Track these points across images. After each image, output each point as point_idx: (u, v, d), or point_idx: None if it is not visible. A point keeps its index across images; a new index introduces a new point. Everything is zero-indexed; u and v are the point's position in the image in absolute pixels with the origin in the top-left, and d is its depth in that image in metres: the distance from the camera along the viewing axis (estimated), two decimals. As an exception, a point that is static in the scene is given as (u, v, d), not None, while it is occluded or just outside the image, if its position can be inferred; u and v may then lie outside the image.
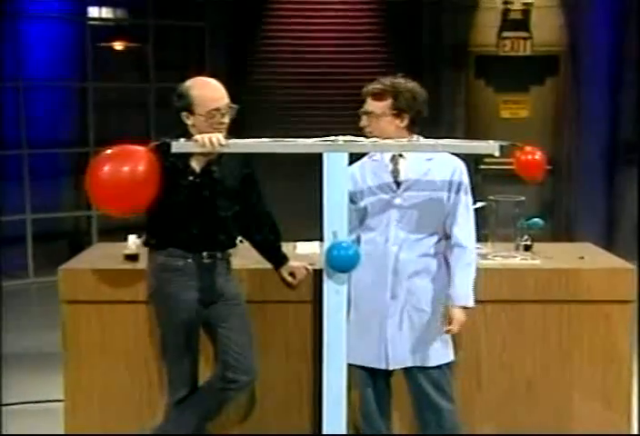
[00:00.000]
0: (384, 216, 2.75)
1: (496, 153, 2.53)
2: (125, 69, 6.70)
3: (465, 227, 2.75)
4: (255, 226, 3.00)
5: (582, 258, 3.31)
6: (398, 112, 2.72)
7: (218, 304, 2.83)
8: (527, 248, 3.41)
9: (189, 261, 2.77)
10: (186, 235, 2.75)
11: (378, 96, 2.73)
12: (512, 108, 6.90)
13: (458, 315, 2.72)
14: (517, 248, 3.37)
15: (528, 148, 2.69)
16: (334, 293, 2.41)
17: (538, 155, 2.67)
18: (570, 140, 6.79)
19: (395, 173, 2.77)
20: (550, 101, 6.89)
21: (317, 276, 2.92)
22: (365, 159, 2.83)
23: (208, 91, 2.72)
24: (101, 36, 6.55)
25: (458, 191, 2.75)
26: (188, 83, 2.74)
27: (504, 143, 2.57)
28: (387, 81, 2.74)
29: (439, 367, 2.76)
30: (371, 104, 2.74)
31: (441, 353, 2.77)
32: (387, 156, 2.78)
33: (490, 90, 6.90)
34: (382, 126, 2.73)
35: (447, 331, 2.72)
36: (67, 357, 3.17)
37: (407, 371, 2.78)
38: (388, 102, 2.72)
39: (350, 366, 2.57)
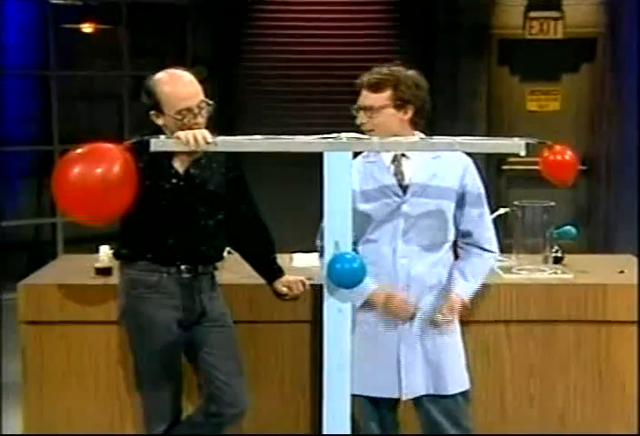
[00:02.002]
0: (389, 225, 2.78)
1: (522, 153, 2.56)
2: (94, 55, 6.72)
3: (489, 230, 2.86)
4: (246, 236, 3.03)
5: (622, 272, 3.34)
6: (401, 103, 2.75)
7: (201, 326, 2.86)
8: (558, 260, 3.44)
9: (164, 276, 2.79)
10: (163, 247, 2.78)
11: (376, 87, 2.75)
12: (540, 100, 6.93)
13: (457, 306, 2.77)
14: (546, 260, 3.40)
15: (558, 147, 2.72)
16: (335, 312, 2.44)
17: (569, 155, 2.70)
18: (608, 136, 6.80)
19: (400, 175, 2.79)
20: (585, 91, 6.91)
21: (317, 292, 2.96)
22: (357, 160, 2.83)
23: (178, 88, 2.72)
24: (66, 17, 6.56)
25: (473, 192, 2.81)
26: (156, 77, 2.75)
27: (531, 141, 2.60)
28: (384, 69, 2.77)
29: (453, 396, 2.80)
30: (368, 97, 2.76)
31: (456, 381, 2.81)
32: (387, 157, 2.81)
33: (515, 79, 6.92)
34: (383, 121, 2.75)
35: (444, 318, 2.75)
36: (27, 387, 3.19)
37: (418, 401, 2.82)
38: (388, 92, 2.74)
39: (352, 397, 2.60)
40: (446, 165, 2.79)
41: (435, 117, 6.47)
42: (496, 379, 3.18)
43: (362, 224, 2.80)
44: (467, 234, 2.85)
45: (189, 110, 2.70)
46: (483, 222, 2.86)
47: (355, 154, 2.80)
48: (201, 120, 2.72)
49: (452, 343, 2.82)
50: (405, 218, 2.77)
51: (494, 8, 6.79)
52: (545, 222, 3.38)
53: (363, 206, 2.79)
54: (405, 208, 2.77)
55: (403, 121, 2.77)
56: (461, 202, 2.81)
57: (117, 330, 3.09)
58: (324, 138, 2.45)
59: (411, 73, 2.80)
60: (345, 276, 2.40)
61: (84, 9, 6.74)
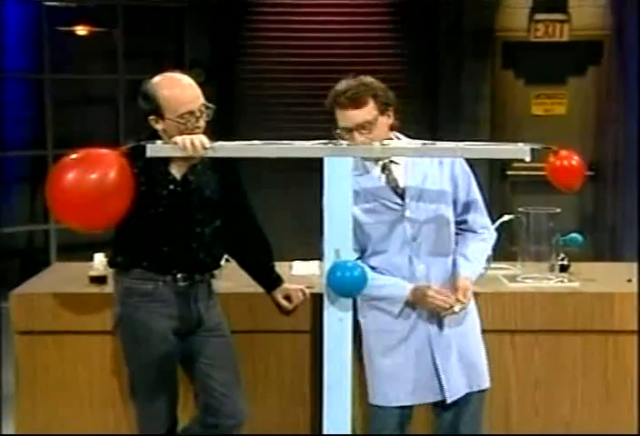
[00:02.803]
0: (396, 234, 2.78)
1: (527, 158, 2.57)
2: (89, 58, 6.73)
3: (485, 215, 2.92)
4: (244, 243, 3.03)
5: (629, 281, 3.34)
6: (384, 108, 2.77)
7: (197, 335, 2.86)
8: (564, 268, 3.45)
9: (160, 284, 2.80)
10: (158, 255, 2.78)
11: (359, 102, 2.73)
12: (546, 103, 6.93)
13: (469, 288, 2.78)
14: (552, 269, 3.41)
15: (564, 152, 2.72)
16: (336, 322, 2.44)
17: (575, 160, 2.71)
18: (615, 141, 6.81)
19: (393, 183, 2.81)
20: (591, 95, 6.92)
21: (317, 301, 2.96)
22: None
23: (178, 92, 2.72)
24: (61, 20, 6.57)
25: (464, 182, 2.85)
26: (155, 81, 2.75)
27: (536, 146, 2.60)
28: (350, 83, 2.76)
29: (483, 391, 2.88)
30: (357, 115, 2.73)
31: (486, 375, 2.89)
32: (374, 167, 2.82)
33: (520, 82, 6.94)
34: (379, 133, 2.74)
35: (461, 307, 2.75)
36: (20, 398, 3.20)
37: (437, 405, 2.86)
38: (371, 103, 2.75)
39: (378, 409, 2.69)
40: (435, 163, 2.82)
41: (438, 121, 6.55)
42: (501, 389, 3.17)
43: (366, 237, 2.81)
44: (462, 222, 2.90)
45: (191, 113, 2.71)
46: (477, 209, 2.90)
47: None
48: (202, 123, 2.73)
49: (478, 337, 2.88)
50: (410, 224, 2.79)
51: (498, 10, 6.80)
52: (550, 229, 3.39)
53: (364, 220, 2.80)
54: (407, 214, 2.79)
55: (388, 125, 2.79)
56: (455, 194, 2.85)
57: (112, 339, 3.08)
58: (324, 143, 2.46)
59: (370, 78, 2.81)
60: (346, 285, 2.40)
61: (78, 11, 6.73)
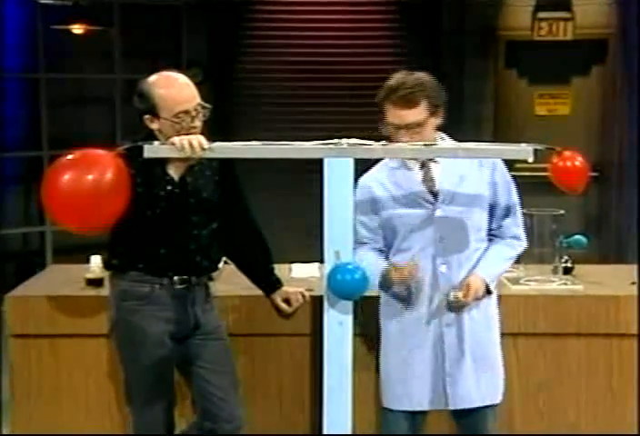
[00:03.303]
0: (423, 233, 2.79)
1: (530, 159, 2.58)
2: (85, 57, 6.73)
3: (520, 225, 2.92)
4: (241, 246, 3.04)
5: (634, 283, 3.35)
6: (435, 109, 2.78)
7: (194, 339, 2.86)
8: (568, 271, 3.45)
9: (157, 287, 2.80)
10: (155, 257, 2.79)
11: (413, 102, 2.73)
12: (549, 103, 6.94)
13: (479, 286, 2.76)
14: (556, 271, 3.41)
15: (568, 153, 2.73)
16: (336, 325, 2.45)
17: (579, 161, 2.72)
18: (620, 142, 6.81)
19: (430, 182, 2.81)
20: (595, 94, 6.92)
21: (317, 304, 2.96)
22: (379, 167, 2.87)
23: (174, 90, 2.72)
24: (56, 18, 6.57)
25: (503, 189, 2.86)
26: (150, 80, 2.75)
27: (539, 147, 2.61)
28: (407, 79, 2.75)
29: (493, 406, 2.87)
30: (409, 115, 2.73)
31: (499, 390, 2.89)
32: (413, 162, 2.83)
33: (523, 82, 6.94)
34: (427, 133, 2.76)
35: (459, 297, 2.74)
36: (15, 402, 3.20)
37: (456, 413, 2.87)
38: (424, 103, 2.75)
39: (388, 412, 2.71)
40: (474, 165, 2.82)
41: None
42: (505, 393, 3.16)
43: (392, 232, 2.83)
44: (496, 228, 2.90)
45: (187, 113, 2.71)
46: (513, 217, 2.90)
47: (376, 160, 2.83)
48: (198, 123, 2.73)
49: (496, 348, 2.88)
50: (439, 225, 2.79)
51: (501, 9, 6.80)
52: (554, 231, 3.39)
53: (390, 214, 2.81)
54: (438, 213, 2.79)
55: (435, 126, 2.80)
56: (492, 200, 2.85)
57: (108, 343, 3.09)
58: (323, 144, 2.46)
59: (425, 75, 2.81)
60: (347, 287, 2.41)
61: (74, 10, 6.72)
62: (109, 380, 3.18)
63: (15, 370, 3.18)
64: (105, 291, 3.13)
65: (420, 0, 6.70)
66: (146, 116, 2.75)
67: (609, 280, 3.43)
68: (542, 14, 6.77)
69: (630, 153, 6.70)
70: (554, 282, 3.35)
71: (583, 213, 6.75)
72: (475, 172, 2.82)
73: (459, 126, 6.63)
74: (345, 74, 6.56)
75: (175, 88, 2.73)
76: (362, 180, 2.86)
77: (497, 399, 2.88)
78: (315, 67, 6.66)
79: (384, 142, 2.64)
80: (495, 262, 2.85)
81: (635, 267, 3.60)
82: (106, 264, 2.90)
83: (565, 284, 3.34)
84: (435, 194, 2.80)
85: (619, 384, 3.23)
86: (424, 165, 2.83)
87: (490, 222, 2.88)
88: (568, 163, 2.71)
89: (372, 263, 2.77)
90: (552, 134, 6.29)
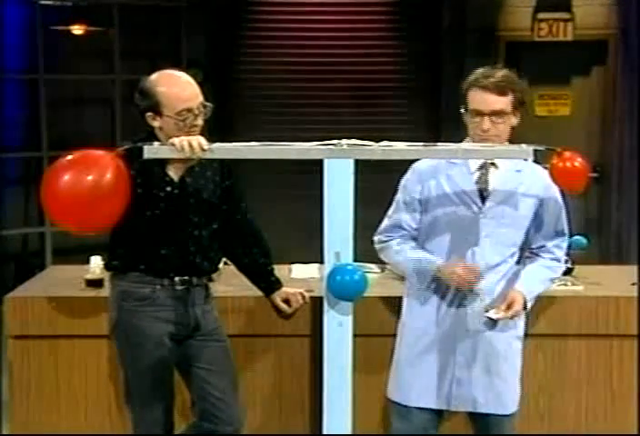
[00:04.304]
0: (461, 233, 2.78)
1: (530, 159, 2.58)
2: (84, 58, 6.74)
3: (563, 249, 2.89)
4: (242, 247, 3.04)
5: (634, 284, 3.35)
6: (517, 108, 2.78)
7: (194, 340, 2.87)
8: (568, 272, 3.45)
9: (157, 288, 2.80)
10: (156, 257, 2.79)
11: (504, 90, 2.72)
12: (549, 104, 6.94)
13: (520, 303, 2.73)
14: (556, 272, 3.41)
15: (568, 153, 2.73)
16: (336, 326, 2.45)
17: (579, 162, 2.72)
18: (620, 142, 6.81)
19: (483, 184, 2.80)
20: (596, 95, 6.92)
21: (317, 305, 2.96)
22: (431, 161, 2.84)
23: (177, 88, 2.73)
24: (56, 19, 6.58)
25: (552, 209, 2.83)
26: (153, 78, 2.76)
27: (539, 148, 2.61)
28: (496, 70, 2.76)
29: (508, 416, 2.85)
30: (498, 101, 2.72)
31: (511, 400, 2.85)
32: (473, 162, 2.81)
33: (523, 83, 6.94)
34: (506, 128, 2.76)
35: (501, 316, 2.70)
36: (14, 403, 3.20)
37: (476, 418, 2.86)
38: (510, 96, 2.75)
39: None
40: (529, 180, 2.82)
41: (441, 122, 6.55)
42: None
43: (427, 226, 2.82)
44: (539, 247, 2.87)
45: (189, 111, 2.72)
46: (559, 241, 2.88)
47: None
48: (200, 122, 2.74)
49: (515, 359, 2.85)
50: (480, 227, 2.77)
51: (501, 9, 6.80)
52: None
53: (433, 206, 2.80)
54: (482, 217, 2.78)
55: (512, 126, 2.79)
56: (540, 219, 2.84)
57: (108, 344, 3.09)
58: (324, 145, 2.47)
59: (510, 71, 2.81)
60: (346, 288, 2.41)
61: (73, 10, 6.73)
62: (108, 380, 3.18)
63: (14, 371, 3.19)
64: (104, 292, 3.13)
65: (420, 1, 6.71)
66: (148, 114, 2.75)
67: (609, 280, 3.43)
68: (542, 15, 6.77)
69: (630, 154, 6.71)
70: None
71: (583, 214, 6.75)
72: (528, 186, 2.81)
73: (459, 126, 6.63)
74: (346, 75, 6.56)
75: (178, 86, 2.74)
76: (417, 164, 2.86)
77: (509, 409, 2.84)
78: (315, 67, 6.66)
79: (384, 142, 2.64)
80: (536, 281, 2.83)
81: (635, 268, 3.60)
82: (107, 265, 2.90)
83: (566, 285, 3.34)
84: (482, 197, 2.79)
85: (619, 385, 3.23)
86: (482, 167, 2.81)
87: (534, 239, 2.86)
88: (568, 164, 2.71)
89: (415, 257, 2.78)
90: (552, 135, 6.29)
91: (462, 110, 2.79)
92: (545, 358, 3.22)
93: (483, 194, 2.80)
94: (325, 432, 2.46)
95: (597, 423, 3.24)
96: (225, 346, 2.93)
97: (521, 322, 2.87)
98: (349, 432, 2.46)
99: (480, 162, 2.82)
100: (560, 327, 3.20)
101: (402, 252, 2.84)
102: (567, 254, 3.43)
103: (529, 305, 2.80)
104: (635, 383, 3.20)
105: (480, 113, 2.73)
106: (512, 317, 2.74)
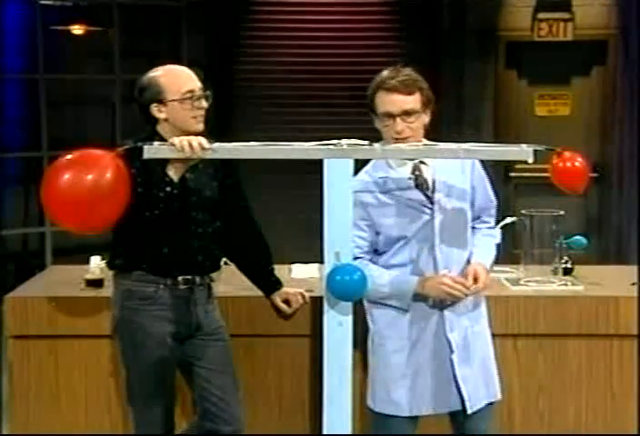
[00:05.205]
0: (424, 239, 2.75)
1: (530, 160, 2.58)
2: (84, 58, 6.75)
3: (493, 217, 2.94)
4: (242, 246, 3.04)
5: (634, 284, 3.35)
6: (426, 106, 2.75)
7: (195, 339, 2.87)
8: (568, 272, 3.45)
9: (160, 287, 2.80)
10: (158, 256, 2.79)
11: (410, 89, 2.70)
12: (549, 104, 6.95)
13: (484, 272, 2.74)
14: (556, 272, 3.41)
15: (568, 153, 2.73)
16: (336, 326, 2.45)
17: (579, 162, 2.72)
18: (620, 142, 6.81)
19: (424, 186, 2.77)
20: (596, 95, 6.93)
21: (317, 305, 2.96)
22: (362, 177, 2.79)
23: (176, 73, 2.81)
24: (56, 19, 6.58)
25: (480, 182, 2.86)
26: (152, 72, 2.81)
27: (539, 148, 2.61)
28: (402, 70, 2.74)
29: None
30: (406, 101, 2.69)
31: (498, 387, 2.88)
32: (402, 169, 2.78)
33: (523, 83, 6.95)
34: (418, 126, 2.73)
35: (474, 290, 2.70)
36: (14, 403, 3.20)
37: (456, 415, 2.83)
38: (417, 95, 2.72)
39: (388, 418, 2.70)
40: (457, 163, 2.81)
41: (441, 122, 6.55)
42: (504, 395, 3.15)
43: (384, 243, 2.78)
44: (476, 218, 2.90)
45: (192, 91, 2.76)
46: (491, 210, 2.93)
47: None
48: (205, 104, 2.79)
49: (491, 344, 2.87)
50: (437, 227, 2.75)
51: (501, 9, 6.80)
52: (554, 231, 3.40)
53: (388, 227, 2.75)
54: (436, 215, 2.75)
55: (425, 125, 2.77)
56: (473, 196, 2.85)
57: (108, 344, 3.10)
58: (323, 145, 2.47)
59: (411, 70, 2.77)
60: (346, 288, 2.41)
61: (73, 10, 6.75)
62: (108, 381, 3.18)
63: (14, 371, 3.18)
64: (104, 292, 3.13)
65: (420, 1, 6.71)
66: (153, 105, 2.77)
67: (609, 280, 3.43)
68: (542, 15, 6.77)
69: (630, 154, 6.71)
70: (554, 282, 3.35)
71: (583, 214, 6.75)
72: (458, 171, 2.81)
73: (459, 127, 6.64)
74: (346, 75, 6.56)
75: (175, 72, 2.82)
76: (354, 185, 2.70)
77: (498, 396, 2.86)
78: (315, 68, 6.66)
79: (383, 142, 2.64)
80: (486, 250, 2.86)
81: (635, 268, 3.60)
82: (110, 264, 2.90)
83: (566, 285, 3.34)
84: (429, 199, 2.77)
85: (619, 385, 3.23)
86: (415, 169, 2.78)
87: (472, 216, 2.88)
88: (568, 164, 2.71)
89: (387, 280, 2.75)
90: (552, 135, 6.30)
91: (372, 116, 2.75)
92: (544, 358, 3.22)
93: (427, 194, 2.76)
94: (325, 432, 2.46)
95: (597, 423, 3.23)
96: (226, 346, 2.93)
97: (483, 306, 2.87)
98: (349, 432, 2.46)
99: (410, 165, 2.77)
100: (560, 327, 3.20)
101: (372, 276, 2.68)
102: (568, 255, 3.45)
103: (488, 267, 2.81)
104: (635, 383, 3.20)
105: (391, 115, 2.69)
106: (483, 288, 2.74)
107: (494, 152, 2.66)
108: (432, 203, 2.76)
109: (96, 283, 3.25)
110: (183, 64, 2.92)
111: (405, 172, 2.78)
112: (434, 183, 2.78)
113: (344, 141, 2.47)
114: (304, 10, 6.75)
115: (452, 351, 2.75)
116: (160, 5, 6.72)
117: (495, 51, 6.83)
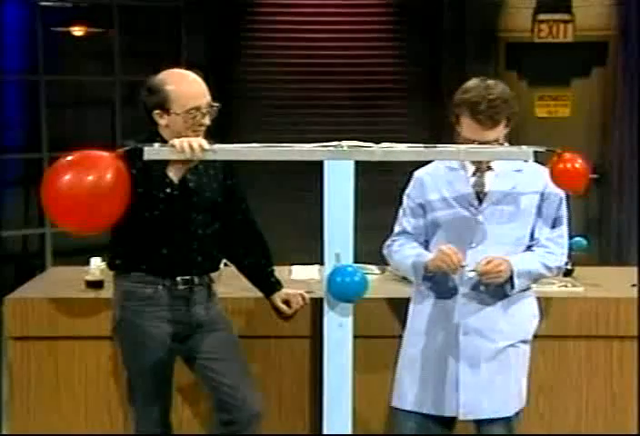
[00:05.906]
0: (460, 235, 2.79)
1: (530, 161, 2.58)
2: (84, 59, 6.75)
3: (563, 248, 2.87)
4: (242, 247, 3.04)
5: (635, 285, 3.35)
6: (508, 121, 2.79)
7: (196, 334, 2.87)
8: (568, 273, 3.45)
9: (160, 288, 2.81)
10: (157, 257, 2.79)
11: (496, 123, 2.73)
12: (550, 105, 6.95)
13: (502, 266, 2.71)
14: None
15: (568, 155, 2.73)
16: (336, 327, 2.45)
17: (579, 163, 2.72)
18: (620, 144, 6.82)
19: (480, 186, 2.82)
20: (596, 97, 6.92)
21: (317, 306, 2.96)
22: (436, 164, 2.89)
23: (187, 86, 2.75)
24: (56, 20, 6.58)
25: (551, 209, 2.84)
26: (162, 76, 2.77)
27: (539, 149, 2.62)
28: (487, 94, 2.73)
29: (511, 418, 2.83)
30: (491, 134, 2.73)
31: (511, 403, 2.83)
32: (470, 167, 2.84)
33: (523, 84, 6.94)
34: (500, 135, 2.77)
35: (467, 271, 2.72)
36: (14, 405, 3.20)
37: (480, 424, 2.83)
38: (504, 122, 2.76)
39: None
40: (528, 178, 2.83)
41: (441, 123, 6.55)
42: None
43: (431, 230, 2.86)
44: (538, 240, 2.86)
45: (197, 109, 2.72)
46: (558, 242, 2.87)
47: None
48: (207, 121, 2.75)
49: (514, 362, 2.82)
50: (477, 228, 2.79)
51: (501, 10, 6.81)
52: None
53: (436, 212, 2.84)
54: (480, 218, 2.80)
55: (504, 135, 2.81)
56: (538, 217, 2.84)
57: (108, 345, 3.10)
58: (324, 146, 2.47)
59: (505, 87, 2.80)
60: (346, 290, 2.41)
61: (74, 11, 6.75)
62: (108, 382, 3.18)
63: (14, 371, 3.18)
64: (104, 293, 3.13)
65: (420, 2, 6.71)
66: (156, 111, 2.75)
67: (609, 282, 3.43)
68: (542, 16, 6.77)
69: (630, 155, 6.71)
70: (554, 284, 3.34)
71: (583, 215, 6.75)
72: (525, 185, 2.82)
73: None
74: (346, 76, 6.56)
75: (187, 84, 2.75)
76: (417, 173, 2.92)
77: (508, 411, 2.82)
78: (316, 69, 6.66)
79: (384, 144, 2.64)
80: (530, 259, 2.81)
81: (635, 269, 3.60)
82: (110, 265, 2.90)
83: (566, 286, 3.34)
84: (479, 199, 2.81)
85: (619, 386, 3.23)
86: (478, 170, 2.83)
87: (536, 233, 2.85)
88: (568, 165, 2.71)
89: (413, 253, 2.83)
90: (552, 136, 6.29)
91: (451, 117, 2.81)
92: (545, 359, 3.21)
93: (479, 196, 2.82)
94: (325, 432, 2.47)
95: (597, 424, 3.23)
96: (227, 334, 2.91)
97: (528, 326, 2.87)
98: (349, 433, 2.46)
99: (475, 165, 2.84)
100: (560, 328, 3.20)
101: (400, 252, 2.89)
102: (568, 256, 3.44)
103: (517, 281, 2.76)
104: (635, 384, 3.20)
105: (472, 142, 2.74)
106: (490, 273, 2.70)
107: (494, 153, 2.66)
108: (480, 204, 2.80)
109: (96, 285, 3.25)
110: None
111: (471, 169, 2.85)
112: (490, 186, 2.80)
113: (344, 142, 2.48)
114: (304, 11, 6.74)
115: (459, 355, 2.77)
116: (160, 6, 6.71)
117: (495, 52, 6.82)
